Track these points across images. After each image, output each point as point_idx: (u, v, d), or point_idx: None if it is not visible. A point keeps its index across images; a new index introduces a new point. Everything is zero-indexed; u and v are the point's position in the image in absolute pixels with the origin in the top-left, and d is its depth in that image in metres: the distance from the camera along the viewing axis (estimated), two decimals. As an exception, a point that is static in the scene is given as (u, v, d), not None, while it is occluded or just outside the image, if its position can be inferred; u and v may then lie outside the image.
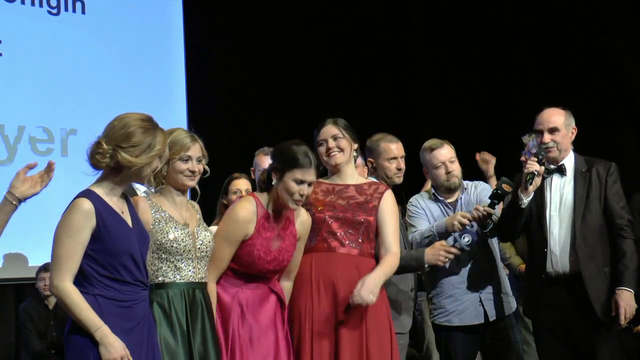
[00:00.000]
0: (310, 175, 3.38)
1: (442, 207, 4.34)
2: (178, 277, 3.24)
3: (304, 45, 7.81)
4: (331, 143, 3.65)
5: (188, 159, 3.31)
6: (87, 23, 6.62)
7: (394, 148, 4.34)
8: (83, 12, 6.61)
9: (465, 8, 8.09)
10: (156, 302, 3.20)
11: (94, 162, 2.93)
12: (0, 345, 6.43)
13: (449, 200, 4.33)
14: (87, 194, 2.90)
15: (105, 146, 2.89)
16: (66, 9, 6.53)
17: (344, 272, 3.52)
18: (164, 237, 3.21)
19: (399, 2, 8.37)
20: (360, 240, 3.59)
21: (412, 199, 4.45)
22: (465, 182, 4.41)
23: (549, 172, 4.04)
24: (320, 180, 3.68)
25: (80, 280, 2.87)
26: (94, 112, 6.05)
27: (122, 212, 2.98)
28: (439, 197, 4.33)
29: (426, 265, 3.94)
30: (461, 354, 4.22)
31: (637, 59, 7.01)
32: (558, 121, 4.03)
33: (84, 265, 2.86)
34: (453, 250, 3.88)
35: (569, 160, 4.07)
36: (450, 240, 3.93)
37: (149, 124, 2.99)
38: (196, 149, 3.35)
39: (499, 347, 4.27)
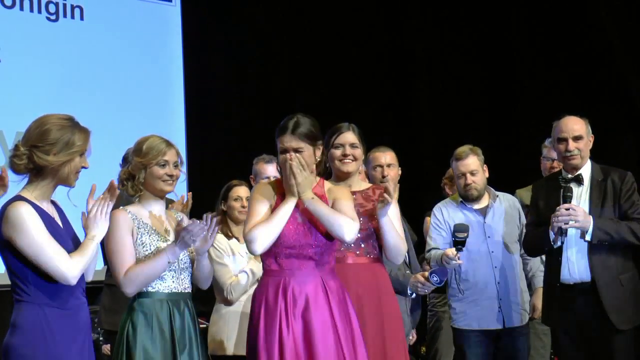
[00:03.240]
0: (288, 140, 3.41)
1: (469, 215, 4.42)
2: (161, 287, 3.25)
3: (306, 53, 7.80)
4: (348, 150, 3.68)
5: (165, 163, 3.30)
6: (86, 29, 6.62)
7: (379, 156, 4.44)
8: (82, 18, 6.60)
9: (466, 15, 8.09)
10: (138, 310, 3.20)
11: (13, 167, 2.88)
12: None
13: (477, 207, 4.45)
14: (18, 199, 2.84)
15: (21, 149, 2.84)
16: (65, 16, 6.52)
17: (363, 279, 3.55)
18: (147, 251, 3.22)
19: (400, 11, 8.36)
20: (373, 247, 3.62)
21: (436, 208, 4.57)
22: (494, 191, 4.53)
23: (566, 182, 4.09)
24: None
25: (23, 289, 2.82)
26: (92, 118, 5.95)
27: (54, 217, 2.94)
28: (466, 204, 4.44)
29: (409, 291, 4.06)
30: (475, 355, 4.31)
31: (637, 65, 7.01)
32: (581, 129, 4.13)
33: (25, 272, 2.80)
34: (427, 283, 4.01)
35: (586, 170, 4.14)
36: (427, 274, 4.06)
37: (67, 122, 2.93)
38: (172, 154, 3.35)
39: (507, 353, 4.37)
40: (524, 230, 4.59)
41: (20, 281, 2.82)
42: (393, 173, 4.46)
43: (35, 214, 2.81)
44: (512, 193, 5.30)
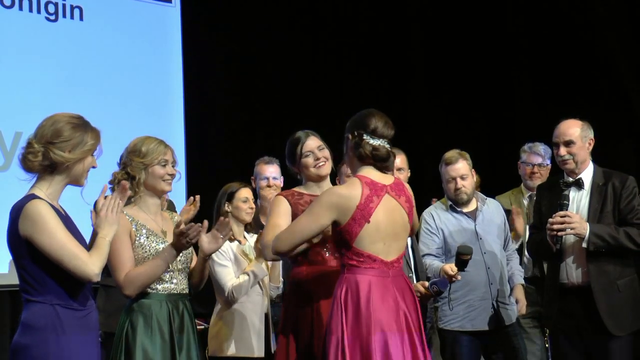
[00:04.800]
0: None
1: (459, 219, 4.48)
2: (160, 287, 3.26)
3: (305, 55, 7.80)
4: (319, 153, 3.68)
5: (166, 163, 3.34)
6: (85, 30, 6.61)
7: None
8: (81, 18, 6.59)
9: (465, 20, 8.09)
10: (137, 311, 3.21)
11: (27, 165, 2.89)
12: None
13: (467, 210, 4.49)
14: (33, 197, 2.84)
15: (36, 146, 2.86)
16: (64, 16, 6.51)
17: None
18: (145, 253, 3.23)
19: (398, 14, 8.36)
20: None
21: (426, 213, 4.58)
22: (482, 195, 4.56)
23: (567, 185, 4.08)
24: (300, 191, 3.68)
25: (37, 288, 2.81)
26: (91, 119, 5.94)
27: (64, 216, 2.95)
28: (456, 208, 4.46)
29: None
30: (468, 357, 4.33)
31: (636, 70, 7.02)
32: (573, 134, 4.09)
33: (40, 271, 2.80)
34: (427, 292, 4.06)
35: (587, 174, 4.12)
36: (428, 284, 4.13)
37: (79, 121, 2.95)
38: (170, 154, 3.41)
39: (503, 353, 4.40)
40: (508, 236, 4.63)
41: (34, 280, 2.81)
42: (403, 177, 4.48)
43: (54, 212, 2.82)
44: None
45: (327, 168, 3.70)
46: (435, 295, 4.07)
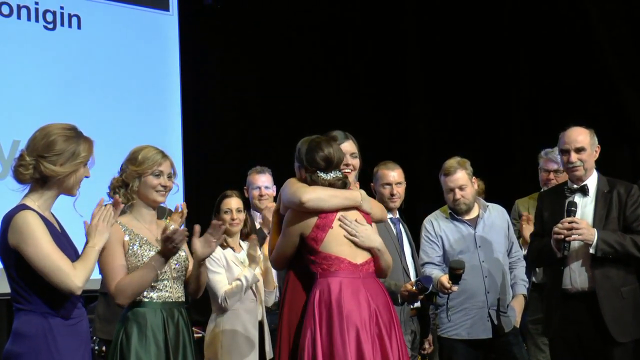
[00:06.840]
0: None
1: (460, 226, 4.50)
2: (155, 296, 3.25)
3: (302, 64, 7.82)
4: (349, 160, 3.71)
5: (160, 174, 3.32)
6: (83, 38, 6.63)
7: (388, 174, 4.47)
8: (79, 27, 6.61)
9: (462, 26, 8.11)
10: (132, 320, 3.20)
11: (18, 176, 2.88)
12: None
13: (468, 218, 4.48)
14: (23, 207, 2.84)
15: (27, 158, 2.85)
16: (62, 24, 6.53)
17: None
18: (139, 262, 3.21)
19: (395, 21, 8.39)
20: None
21: (427, 221, 4.59)
22: (484, 202, 4.55)
23: (572, 192, 4.08)
24: None
25: (26, 297, 2.81)
26: (89, 127, 5.94)
27: (56, 227, 2.94)
28: (456, 216, 4.45)
29: (399, 300, 4.12)
30: None
31: (631, 78, 7.04)
32: (584, 140, 4.09)
33: (29, 281, 2.80)
34: (414, 290, 4.07)
35: (592, 181, 4.12)
36: (414, 281, 4.15)
37: (72, 132, 2.94)
38: (167, 165, 3.36)
39: None
40: (513, 242, 4.62)
41: (23, 290, 2.82)
42: (401, 190, 4.49)
43: (42, 223, 2.81)
44: (506, 202, 5.31)
45: (350, 176, 3.72)
46: (421, 292, 4.06)
